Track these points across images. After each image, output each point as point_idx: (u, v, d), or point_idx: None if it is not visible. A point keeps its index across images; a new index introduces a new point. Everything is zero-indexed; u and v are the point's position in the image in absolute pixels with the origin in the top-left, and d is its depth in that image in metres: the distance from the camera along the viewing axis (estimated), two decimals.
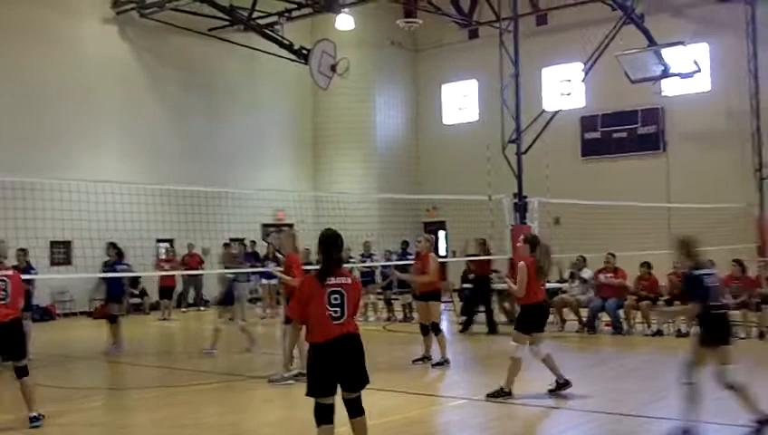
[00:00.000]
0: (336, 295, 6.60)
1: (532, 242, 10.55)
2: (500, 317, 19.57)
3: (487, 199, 18.80)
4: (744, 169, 25.10)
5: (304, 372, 10.84)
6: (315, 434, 6.67)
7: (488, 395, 10.00)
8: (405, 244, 21.25)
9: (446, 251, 29.51)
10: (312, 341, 6.62)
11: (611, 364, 13.67)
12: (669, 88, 25.92)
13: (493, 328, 17.87)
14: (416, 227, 29.14)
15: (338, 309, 6.59)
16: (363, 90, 30.36)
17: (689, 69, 22.32)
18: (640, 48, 22.34)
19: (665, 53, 21.99)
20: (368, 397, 10.37)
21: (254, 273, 21.78)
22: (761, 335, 15.16)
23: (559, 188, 22.59)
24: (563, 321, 17.92)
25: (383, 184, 29.47)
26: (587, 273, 17.89)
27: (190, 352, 15.81)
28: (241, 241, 24.21)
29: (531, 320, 10.36)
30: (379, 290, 21.65)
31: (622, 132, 27.82)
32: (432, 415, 9.83)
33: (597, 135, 28.33)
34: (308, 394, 6.62)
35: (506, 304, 19.63)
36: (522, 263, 10.39)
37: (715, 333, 7.97)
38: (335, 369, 6.57)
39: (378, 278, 21.89)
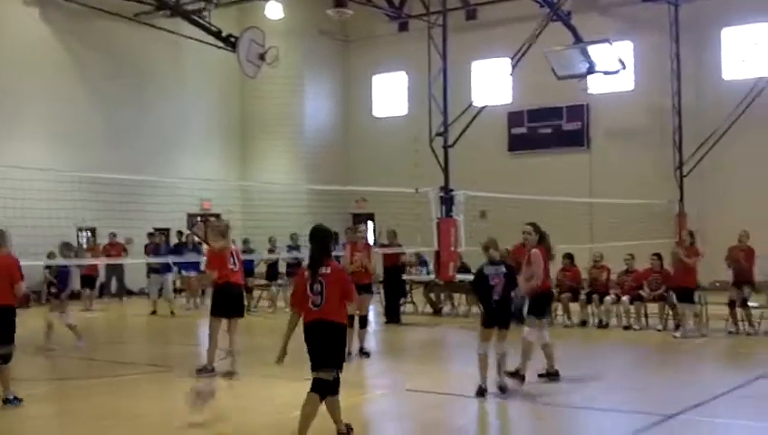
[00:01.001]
0: (317, 285, 7.34)
1: (541, 232, 10.93)
2: (426, 308, 19.76)
3: (414, 192, 18.89)
4: (666, 167, 25.66)
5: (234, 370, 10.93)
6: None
7: (506, 373, 10.10)
8: (334, 234, 21.18)
9: (375, 243, 29.56)
10: (303, 323, 7.45)
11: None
12: (594, 85, 26.36)
13: (393, 318, 17.95)
14: (344, 218, 29.13)
15: (318, 297, 7.33)
16: (292, 79, 30.16)
17: (614, 67, 22.69)
18: (567, 45, 22.65)
19: (591, 50, 22.33)
20: (292, 388, 10.36)
21: (176, 264, 21.54)
22: (677, 327, 15.51)
23: (485, 182, 22.83)
24: None
25: (312, 175, 29.34)
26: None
27: (112, 343, 15.53)
28: (165, 231, 23.89)
29: (542, 306, 10.89)
30: None
31: (548, 128, 28.22)
32: (358, 406, 9.81)
33: (523, 130, 28.67)
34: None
35: (432, 295, 19.80)
36: (535, 251, 10.68)
37: (495, 317, 9.85)
38: (311, 349, 7.38)
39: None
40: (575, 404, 9.48)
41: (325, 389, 7.34)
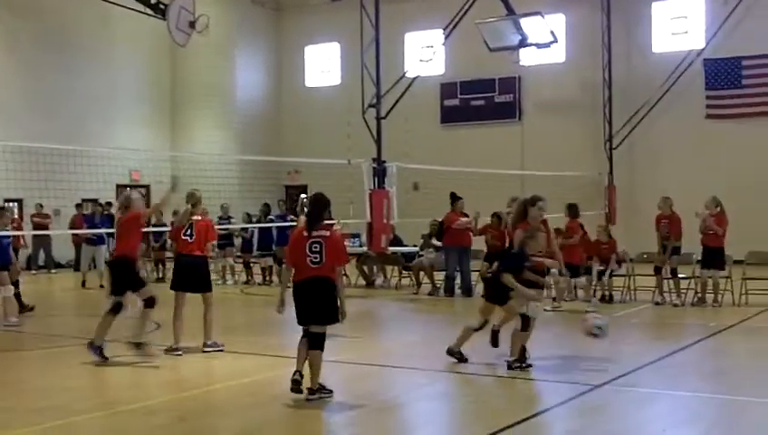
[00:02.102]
0: (316, 245, 8.13)
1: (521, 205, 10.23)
2: (359, 280, 19.78)
3: (347, 163, 18.82)
4: (596, 139, 26.03)
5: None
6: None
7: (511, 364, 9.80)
8: (266, 206, 21.03)
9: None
10: (294, 280, 8.23)
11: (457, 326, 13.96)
12: (526, 58, 26.50)
13: None
14: (277, 190, 28.95)
15: (317, 256, 8.12)
16: (223, 48, 29.74)
17: (546, 39, 22.81)
18: (499, 17, 22.69)
19: (523, 22, 22.40)
20: (223, 359, 10.28)
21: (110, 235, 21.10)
22: (603, 298, 15.79)
23: (418, 154, 22.90)
24: (419, 284, 18.18)
25: (244, 145, 29.04)
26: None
27: (38, 315, 15.19)
28: (96, 202, 23.44)
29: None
30: (239, 253, 21.41)
31: (480, 100, 28.36)
32: (286, 377, 9.78)
33: (456, 102, 28.77)
34: (298, 323, 8.29)
35: (364, 267, 19.81)
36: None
37: None
38: (306, 304, 8.14)
39: (236, 242, 21.59)
40: (503, 375, 9.57)
41: (315, 343, 8.18)
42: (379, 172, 18.43)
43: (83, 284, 20.23)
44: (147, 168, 27.33)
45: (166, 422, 7.52)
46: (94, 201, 23.40)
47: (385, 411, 8.15)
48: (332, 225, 9.35)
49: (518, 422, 7.40)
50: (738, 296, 15.05)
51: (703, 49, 24.90)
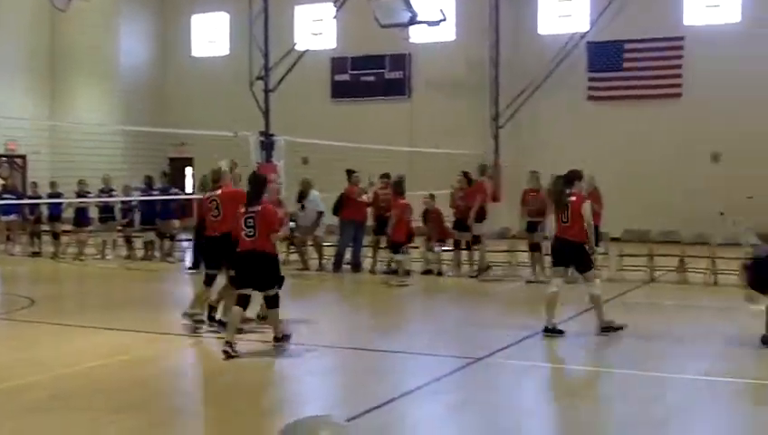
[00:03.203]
0: (250, 219, 9.07)
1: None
2: None
3: (233, 136, 18.49)
4: (483, 118, 26.33)
5: None
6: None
7: (545, 330, 10.07)
8: (149, 178, 20.43)
9: (194, 188, 28.94)
10: (237, 250, 9.25)
11: (351, 301, 13.98)
12: (417, 35, 26.58)
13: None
14: (162, 161, 28.26)
15: (251, 229, 9.07)
16: (107, 15, 28.77)
17: (435, 17, 22.89)
18: None
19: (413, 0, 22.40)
20: (104, 336, 10.00)
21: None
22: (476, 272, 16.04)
23: (308, 129, 22.68)
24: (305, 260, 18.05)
25: (128, 116, 28.18)
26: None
27: None
28: None
29: None
30: (120, 227, 20.75)
31: (371, 76, 28.32)
32: (167, 353, 9.58)
33: (346, 77, 28.64)
34: (233, 285, 9.60)
35: None
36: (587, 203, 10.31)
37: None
38: (245, 273, 9.22)
39: (117, 215, 20.92)
40: (387, 350, 9.60)
41: (268, 303, 9.28)
42: (267, 145, 18.18)
43: None
44: (24, 137, 26.28)
45: (37, 400, 7.26)
46: None
47: (268, 387, 8.06)
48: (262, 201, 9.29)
49: (402, 395, 7.43)
50: (614, 272, 15.51)
51: (587, 32, 25.45)
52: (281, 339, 9.35)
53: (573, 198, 10.23)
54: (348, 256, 17.27)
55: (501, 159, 26.04)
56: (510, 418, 7.10)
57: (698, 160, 23.88)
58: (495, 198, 23.62)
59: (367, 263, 17.27)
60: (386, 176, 17.25)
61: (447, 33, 26.60)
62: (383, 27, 23.34)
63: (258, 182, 9.39)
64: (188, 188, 28.29)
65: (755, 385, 8.29)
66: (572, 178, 10.43)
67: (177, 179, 27.42)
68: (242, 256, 9.21)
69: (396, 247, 15.54)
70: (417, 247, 17.21)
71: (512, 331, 10.41)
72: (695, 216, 21.48)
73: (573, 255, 10.25)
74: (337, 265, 17.23)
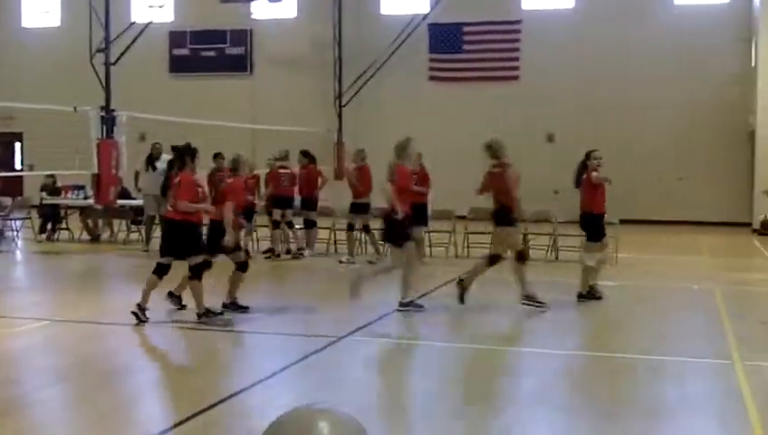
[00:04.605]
0: (171, 191, 9.59)
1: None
2: (83, 235, 18.81)
3: (72, 111, 17.72)
4: (326, 96, 26.35)
5: None
6: None
7: (579, 296, 10.99)
8: None
9: (22, 165, 27.62)
10: None
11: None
12: (259, 11, 26.24)
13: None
14: None
15: (171, 199, 9.54)
16: None
17: None
18: None
19: None
20: None
21: None
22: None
23: (146, 104, 22.00)
24: (149, 240, 17.55)
25: None
26: None
27: None
28: None
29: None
30: None
31: (211, 51, 27.77)
32: (7, 338, 9.10)
33: (186, 52, 27.96)
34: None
35: (89, 221, 18.86)
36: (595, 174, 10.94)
37: None
38: (163, 240, 9.75)
39: None
40: (235, 329, 9.50)
41: (191, 273, 9.23)
42: (108, 121, 17.53)
43: None
44: None
45: None
46: None
47: (116, 374, 7.81)
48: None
49: (261, 380, 7.38)
50: (462, 249, 15.90)
51: (428, 14, 25.86)
52: (203, 314, 9.24)
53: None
54: None
55: (344, 137, 26.17)
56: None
57: (536, 141, 24.76)
58: (338, 177, 23.76)
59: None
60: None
61: (289, 10, 26.45)
62: (224, 2, 22.98)
63: (179, 154, 9.66)
64: (17, 164, 26.91)
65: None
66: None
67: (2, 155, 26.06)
68: (163, 225, 9.91)
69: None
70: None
71: (367, 310, 10.51)
72: (534, 195, 22.29)
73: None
74: None
